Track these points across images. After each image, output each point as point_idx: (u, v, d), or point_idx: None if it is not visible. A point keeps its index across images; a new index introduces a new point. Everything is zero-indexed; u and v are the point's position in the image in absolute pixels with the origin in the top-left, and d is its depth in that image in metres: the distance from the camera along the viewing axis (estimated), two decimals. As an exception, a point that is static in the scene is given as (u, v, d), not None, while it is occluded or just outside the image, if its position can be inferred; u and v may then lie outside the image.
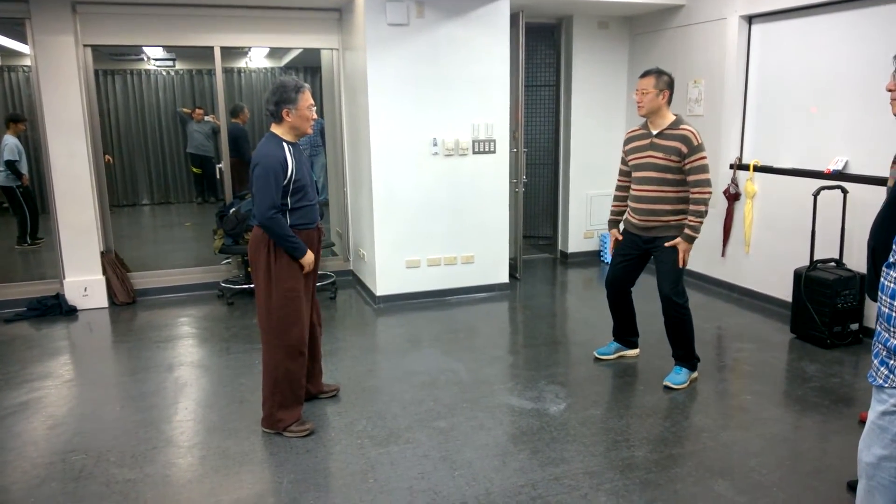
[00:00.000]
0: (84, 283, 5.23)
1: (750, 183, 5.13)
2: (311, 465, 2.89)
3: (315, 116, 3.07)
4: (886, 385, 1.57)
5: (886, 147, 4.09)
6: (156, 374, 3.92)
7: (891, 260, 1.58)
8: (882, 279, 1.61)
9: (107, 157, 5.95)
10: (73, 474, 2.82)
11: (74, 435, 3.19)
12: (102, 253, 5.31)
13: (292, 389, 3.12)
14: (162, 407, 3.49)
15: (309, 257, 3.07)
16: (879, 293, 1.61)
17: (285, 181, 2.96)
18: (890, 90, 1.64)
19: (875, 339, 1.63)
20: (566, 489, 2.67)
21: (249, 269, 3.23)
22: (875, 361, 1.62)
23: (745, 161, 5.26)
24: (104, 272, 5.30)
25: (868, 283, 1.75)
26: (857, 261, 4.31)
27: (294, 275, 3.05)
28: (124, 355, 4.31)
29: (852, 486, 2.64)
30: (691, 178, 3.47)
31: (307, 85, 3.06)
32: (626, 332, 4.05)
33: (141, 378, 3.87)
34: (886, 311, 1.57)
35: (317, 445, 3.05)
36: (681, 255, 3.51)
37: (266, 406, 3.14)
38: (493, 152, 5.35)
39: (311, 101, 3.05)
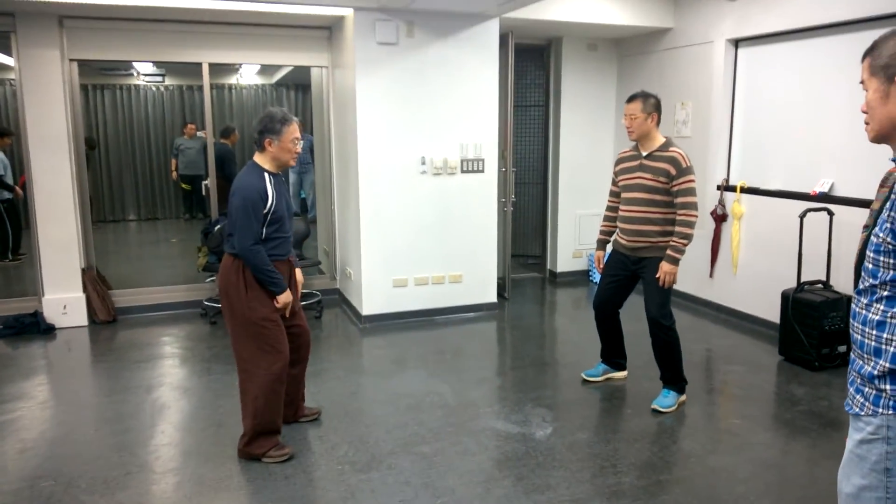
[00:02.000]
0: (63, 300, 5.12)
1: (737, 204, 5.13)
2: (290, 492, 2.80)
3: (299, 150, 3.02)
4: (863, 413, 1.53)
5: (871, 170, 4.11)
6: (134, 396, 3.82)
7: (860, 287, 1.56)
8: (853, 306, 1.58)
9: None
10: (41, 502, 2.72)
11: (45, 459, 3.08)
12: (83, 270, 5.22)
13: (272, 418, 3.03)
14: (138, 430, 3.39)
15: (286, 297, 2.99)
16: (851, 319, 1.58)
17: (264, 210, 2.91)
18: (864, 112, 1.63)
19: (850, 366, 1.60)
20: (551, 518, 2.61)
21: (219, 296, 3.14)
22: (850, 389, 1.59)
23: (732, 182, 5.27)
24: (84, 290, 5.20)
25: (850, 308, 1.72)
26: (843, 283, 4.30)
27: (268, 302, 2.97)
28: (102, 375, 4.20)
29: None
30: (679, 200, 3.46)
31: (296, 118, 3.02)
32: (613, 353, 4.00)
33: (118, 399, 3.78)
34: (858, 337, 1.54)
35: (296, 471, 2.97)
36: (663, 278, 3.48)
37: (245, 435, 3.04)
38: (482, 171, 5.33)
39: (297, 135, 2.99)
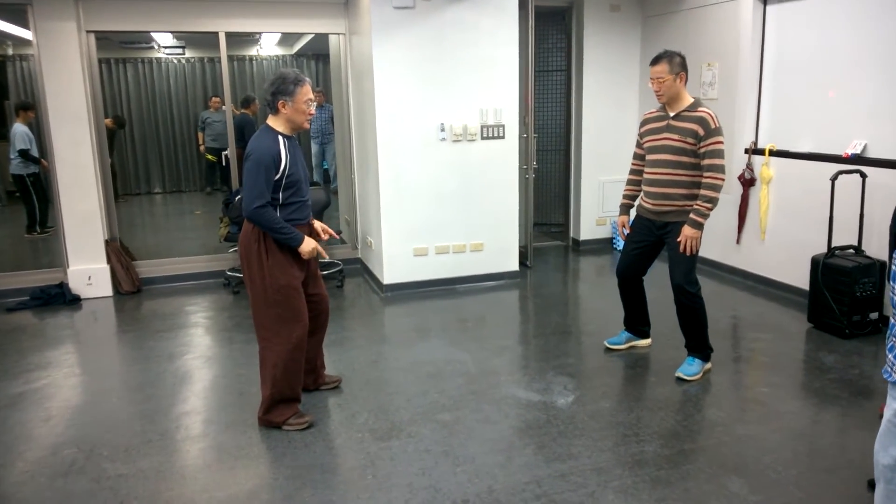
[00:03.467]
0: (88, 271, 5.18)
1: (766, 168, 4.96)
2: (309, 459, 2.81)
3: (313, 112, 2.96)
4: None
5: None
6: (156, 365, 3.86)
7: None
8: (892, 266, 1.48)
9: (107, 120, 5.90)
10: (63, 469, 2.76)
11: (68, 427, 3.13)
12: (107, 241, 5.26)
13: (291, 386, 3.03)
14: (160, 398, 3.43)
15: (308, 245, 2.96)
16: (889, 281, 1.48)
17: (277, 175, 2.85)
18: None
19: (889, 331, 1.51)
20: (572, 486, 2.57)
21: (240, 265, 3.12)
22: (889, 356, 1.50)
23: (760, 145, 5.09)
24: (108, 261, 5.26)
25: (889, 270, 1.63)
26: (876, 248, 4.15)
27: (288, 270, 2.94)
28: (126, 345, 4.26)
29: (873, 485, 2.51)
30: (705, 161, 3.33)
31: (308, 79, 2.94)
32: (637, 321, 3.93)
33: (141, 368, 3.82)
34: None
35: (316, 439, 2.97)
36: (685, 242, 3.37)
37: (264, 403, 3.05)
38: (503, 138, 5.22)
39: (310, 96, 2.92)
